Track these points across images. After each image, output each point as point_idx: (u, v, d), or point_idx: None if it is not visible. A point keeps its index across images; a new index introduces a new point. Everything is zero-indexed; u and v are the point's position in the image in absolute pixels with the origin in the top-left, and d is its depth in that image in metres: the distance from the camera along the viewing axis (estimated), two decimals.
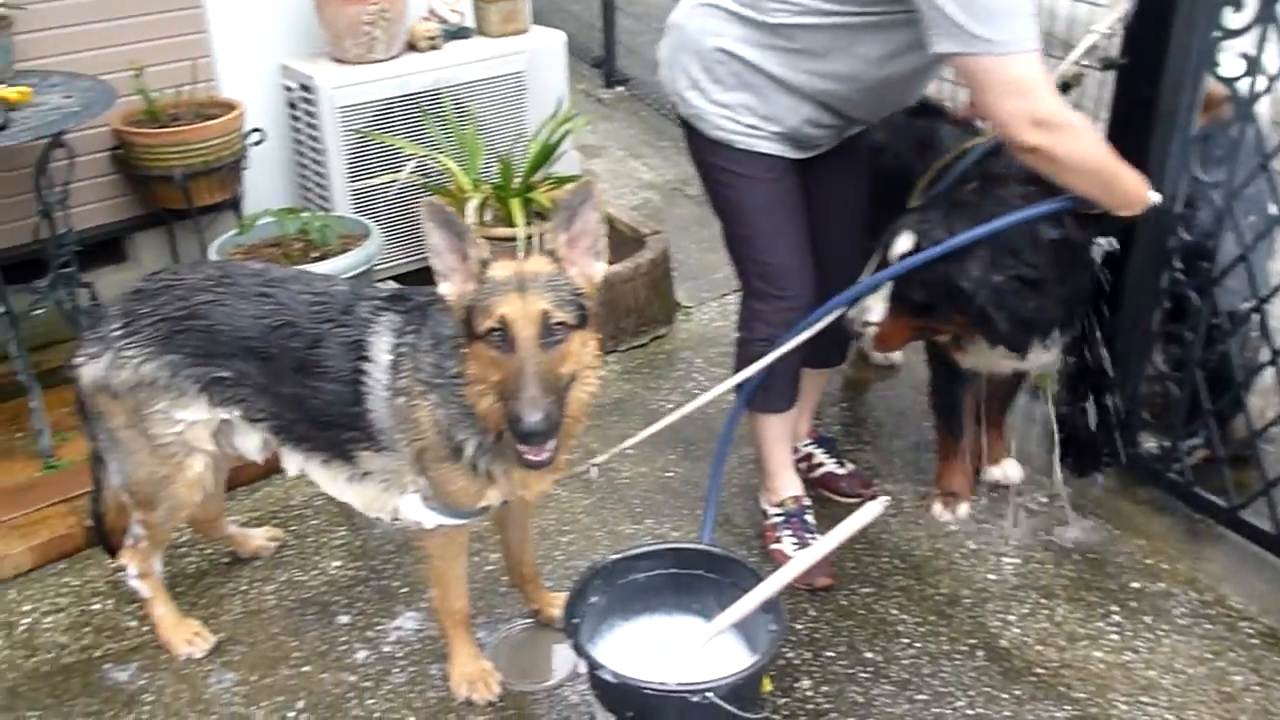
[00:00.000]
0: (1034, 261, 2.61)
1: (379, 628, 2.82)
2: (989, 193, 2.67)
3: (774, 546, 3.00)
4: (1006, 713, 2.54)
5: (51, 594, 2.95)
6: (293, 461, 2.51)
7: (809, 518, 3.02)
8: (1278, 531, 2.82)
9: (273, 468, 3.27)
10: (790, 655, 2.69)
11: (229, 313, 2.38)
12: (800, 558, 2.37)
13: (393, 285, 2.50)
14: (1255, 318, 2.82)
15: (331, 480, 2.50)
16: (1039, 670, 2.66)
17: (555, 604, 2.75)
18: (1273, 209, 2.81)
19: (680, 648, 2.37)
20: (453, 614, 2.56)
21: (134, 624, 2.83)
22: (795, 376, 2.95)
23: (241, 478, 3.24)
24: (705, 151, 2.76)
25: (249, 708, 2.59)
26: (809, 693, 2.61)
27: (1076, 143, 2.41)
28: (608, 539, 3.11)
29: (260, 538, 3.07)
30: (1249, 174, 2.73)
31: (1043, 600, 2.87)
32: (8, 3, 3.40)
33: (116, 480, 2.58)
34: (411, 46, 4.14)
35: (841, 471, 3.25)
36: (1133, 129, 2.85)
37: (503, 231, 3.71)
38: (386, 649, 2.75)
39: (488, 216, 3.84)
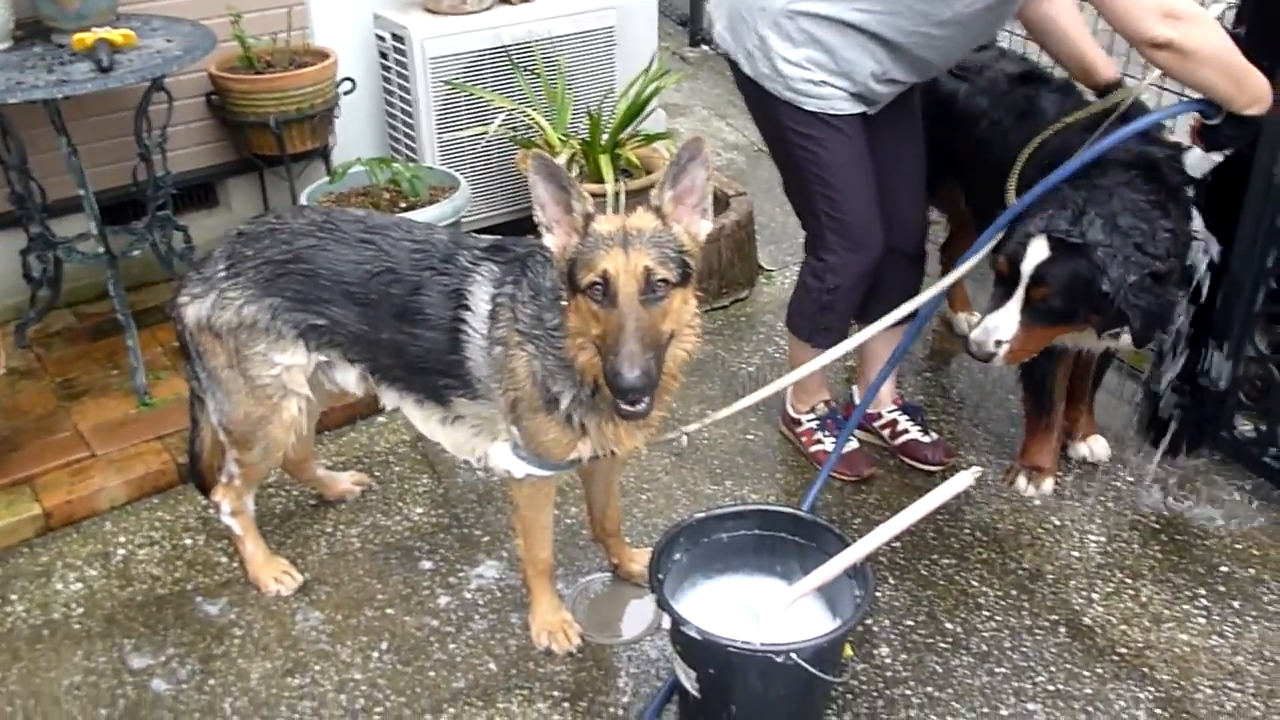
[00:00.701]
0: (1158, 254, 2.57)
1: (461, 574, 2.86)
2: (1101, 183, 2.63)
3: (815, 448, 3.19)
4: (1088, 690, 2.52)
5: (145, 527, 3.03)
6: (389, 397, 2.55)
7: (841, 417, 3.21)
8: None
9: (359, 413, 3.36)
10: (869, 622, 2.69)
11: (331, 258, 2.41)
12: (886, 526, 2.35)
13: (491, 237, 2.50)
14: None
15: (424, 420, 2.53)
16: (1122, 650, 2.63)
17: (636, 559, 2.77)
18: None
19: (763, 608, 2.37)
20: (536, 564, 2.59)
21: (224, 560, 2.90)
22: (848, 320, 3.04)
23: (328, 422, 3.30)
24: (777, 111, 2.77)
25: (334, 646, 2.65)
26: (888, 659, 2.60)
27: (1208, 33, 2.40)
28: (687, 498, 3.12)
29: (346, 481, 3.13)
30: None
31: (1128, 580, 2.83)
32: None
33: (214, 419, 2.63)
34: None
35: (926, 440, 3.24)
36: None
37: (590, 187, 3.70)
38: (468, 595, 2.80)
39: (575, 172, 3.84)
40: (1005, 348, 2.68)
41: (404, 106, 4.06)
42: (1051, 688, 2.53)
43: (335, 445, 3.34)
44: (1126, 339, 2.82)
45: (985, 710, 2.47)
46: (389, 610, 2.76)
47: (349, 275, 2.40)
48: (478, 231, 4.08)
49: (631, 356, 2.00)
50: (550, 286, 2.23)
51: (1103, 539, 2.97)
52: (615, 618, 2.75)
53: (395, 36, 3.98)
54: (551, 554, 2.62)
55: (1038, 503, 3.09)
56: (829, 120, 2.73)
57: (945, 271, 3.79)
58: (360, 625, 2.71)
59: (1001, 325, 2.67)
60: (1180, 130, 2.96)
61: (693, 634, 2.19)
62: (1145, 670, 2.57)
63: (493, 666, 2.59)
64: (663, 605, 2.27)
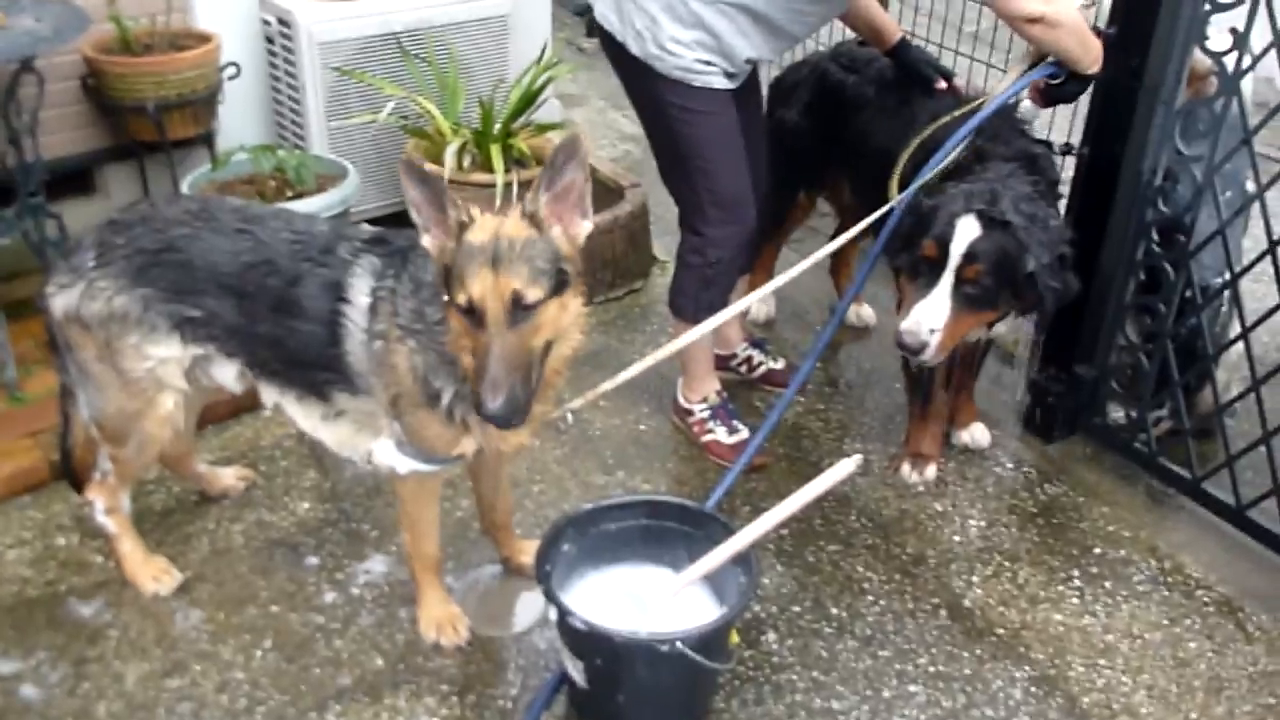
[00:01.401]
0: (1063, 238, 2.70)
1: (348, 570, 2.82)
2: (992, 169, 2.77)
3: (707, 438, 3.26)
4: (967, 670, 2.59)
5: (15, 527, 2.92)
6: (269, 394, 2.49)
7: (732, 406, 3.31)
8: (1238, 503, 2.89)
9: (243, 407, 3.28)
10: (756, 609, 2.72)
11: (206, 248, 2.34)
12: (771, 514, 2.38)
13: (373, 228, 2.46)
14: (1226, 293, 2.86)
15: (305, 417, 2.47)
16: (1000, 631, 2.71)
17: (526, 552, 2.76)
18: (1250, 186, 2.84)
19: (650, 598, 2.39)
20: (424, 558, 2.57)
21: (99, 559, 2.81)
22: (728, 295, 3.13)
23: (211, 416, 3.22)
24: (660, 89, 2.88)
25: (215, 645, 2.59)
26: (774, 645, 2.64)
27: (1067, 5, 2.70)
28: (579, 489, 3.12)
29: (229, 477, 3.05)
30: (1229, 151, 2.75)
31: (1006, 563, 2.92)
32: None
33: (86, 414, 2.55)
34: None
35: (778, 366, 3.55)
36: (1118, 99, 2.87)
37: (481, 177, 3.68)
38: (355, 591, 2.75)
39: (466, 162, 3.80)
40: (937, 337, 2.66)
41: (291, 93, 3.97)
42: (932, 669, 2.59)
43: (219, 440, 3.25)
44: (1001, 327, 2.91)
45: (869, 693, 2.53)
46: (273, 608, 2.70)
47: (225, 266, 2.33)
48: (369, 221, 4.00)
49: (495, 384, 1.96)
50: (431, 281, 2.19)
51: (983, 523, 3.05)
52: (505, 610, 2.74)
53: (281, 21, 3.89)
54: (438, 548, 2.59)
55: (921, 489, 3.17)
56: (711, 97, 2.87)
57: (836, 267, 3.88)
58: (243, 624, 2.65)
59: (932, 313, 2.66)
60: None
61: (579, 625, 2.19)
62: (1021, 650, 2.65)
63: (380, 662, 2.56)
64: (549, 597, 2.27)
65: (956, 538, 3.00)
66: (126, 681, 2.49)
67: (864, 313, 3.92)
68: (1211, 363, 2.93)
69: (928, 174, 2.78)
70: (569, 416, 2.59)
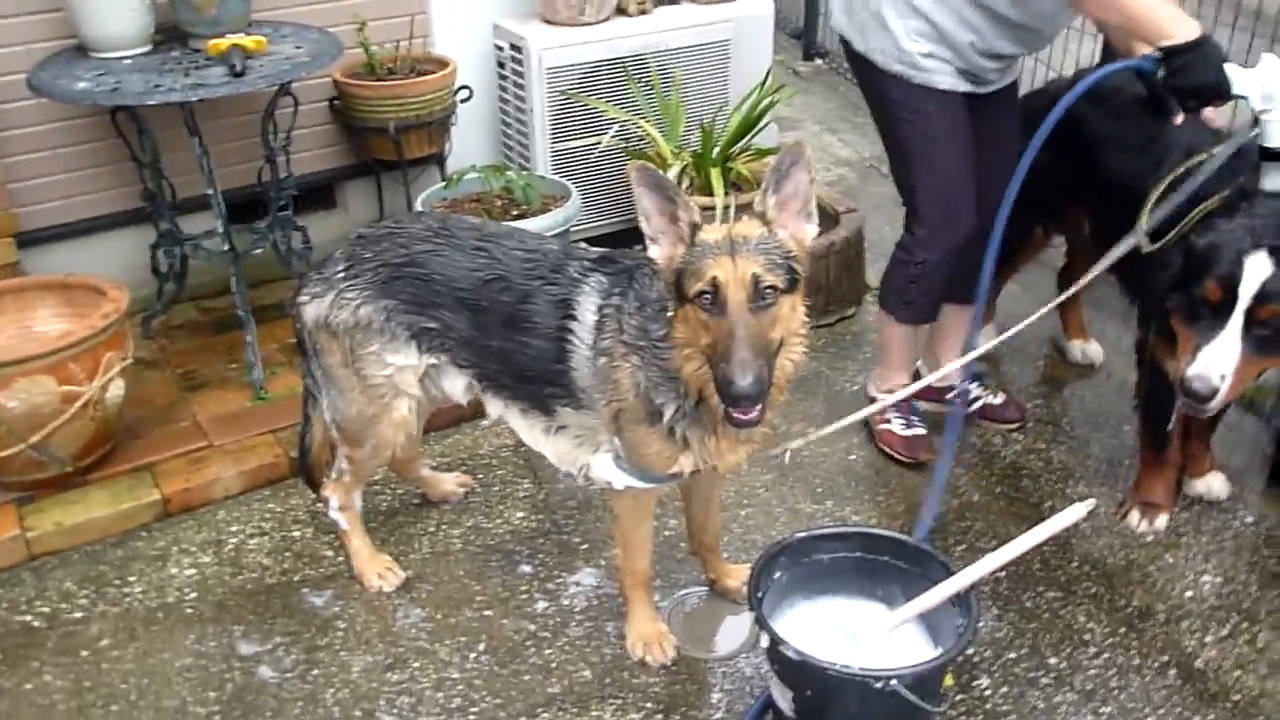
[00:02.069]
0: None
1: (559, 580, 2.88)
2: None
3: (882, 427, 3.29)
4: None
5: (257, 518, 3.12)
6: (494, 406, 2.58)
7: (915, 402, 3.29)
8: None
9: (464, 416, 3.41)
10: (970, 652, 2.63)
11: (445, 263, 2.45)
12: (995, 555, 2.30)
13: (600, 249, 2.52)
14: None
15: (528, 429, 2.55)
16: (1235, 697, 2.52)
17: (733, 575, 2.76)
18: None
19: (862, 631, 2.34)
20: (634, 574, 2.60)
21: (330, 553, 2.97)
22: (937, 299, 3.20)
23: (435, 424, 3.35)
24: (884, 85, 2.93)
25: (433, 644, 2.70)
26: (988, 692, 2.55)
27: None
28: (787, 516, 3.09)
29: (450, 482, 3.18)
30: None
31: (1244, 624, 2.72)
32: None
33: (327, 415, 2.70)
34: (621, 10, 4.16)
35: (997, 401, 3.44)
36: None
37: (700, 200, 3.71)
38: (565, 602, 2.82)
39: (686, 185, 3.84)
40: (1227, 383, 2.44)
41: (519, 115, 4.12)
42: None
43: (441, 447, 3.40)
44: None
45: None
46: (487, 612, 2.79)
47: (462, 281, 2.44)
48: (587, 241, 4.11)
49: (744, 364, 1.99)
50: (656, 298, 2.23)
51: (1219, 580, 2.86)
52: (710, 632, 2.74)
53: (513, 46, 4.04)
54: (650, 565, 2.62)
55: (1150, 539, 2.99)
56: (933, 95, 2.86)
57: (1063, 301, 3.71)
58: (459, 625, 2.75)
59: (1223, 358, 2.43)
60: None
61: (791, 655, 2.17)
62: (1260, 719, 2.46)
63: (587, 674, 2.61)
64: (761, 624, 2.25)
65: (1189, 593, 2.82)
66: (352, 671, 2.62)
67: (1090, 350, 3.74)
68: None
69: (1179, 208, 2.59)
70: (787, 456, 2.59)
